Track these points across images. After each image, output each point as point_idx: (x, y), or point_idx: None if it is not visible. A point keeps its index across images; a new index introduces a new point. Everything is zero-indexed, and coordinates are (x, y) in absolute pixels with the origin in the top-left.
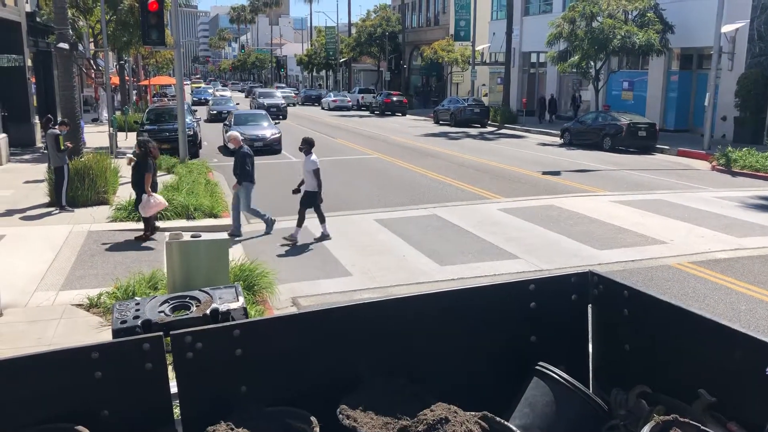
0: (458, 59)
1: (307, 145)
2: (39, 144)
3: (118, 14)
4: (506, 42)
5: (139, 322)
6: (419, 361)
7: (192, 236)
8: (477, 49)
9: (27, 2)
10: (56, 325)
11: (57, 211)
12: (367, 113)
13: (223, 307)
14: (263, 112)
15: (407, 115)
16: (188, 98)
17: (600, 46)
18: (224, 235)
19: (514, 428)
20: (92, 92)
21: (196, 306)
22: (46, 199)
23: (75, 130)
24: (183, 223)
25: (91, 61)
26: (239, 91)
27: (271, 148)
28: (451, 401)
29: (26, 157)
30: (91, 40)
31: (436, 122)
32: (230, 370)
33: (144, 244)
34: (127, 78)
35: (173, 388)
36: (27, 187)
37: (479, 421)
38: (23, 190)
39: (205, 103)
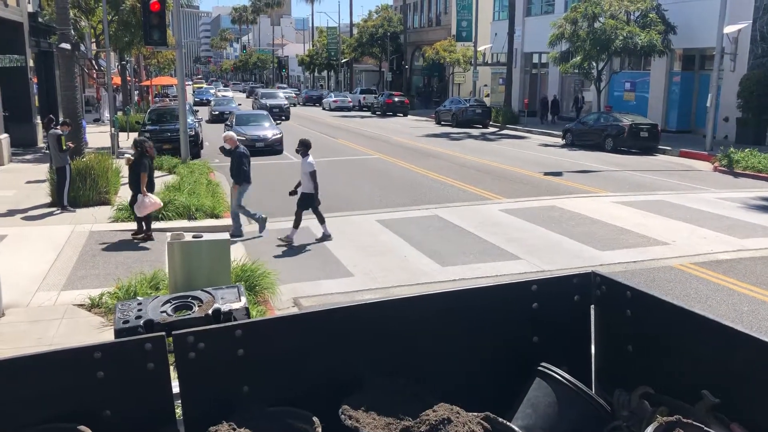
0: (460, 60)
1: (304, 147)
2: (41, 144)
3: (120, 14)
4: (508, 42)
5: (141, 322)
6: (421, 361)
7: (193, 236)
8: (479, 49)
9: (29, 2)
10: (58, 325)
11: (59, 212)
12: (368, 114)
13: (225, 308)
14: (265, 112)
15: (409, 116)
16: (190, 98)
17: (602, 46)
18: (226, 236)
19: (516, 429)
20: (94, 92)
21: (198, 306)
22: (48, 199)
23: (77, 130)
24: (184, 223)
25: (93, 62)
26: (240, 91)
27: (273, 148)
28: (453, 402)
29: (28, 157)
30: (93, 40)
31: (438, 123)
32: (232, 370)
33: (142, 245)
34: (128, 78)
35: (175, 388)
36: (29, 187)
37: (481, 421)
38: (25, 190)
39: (207, 103)
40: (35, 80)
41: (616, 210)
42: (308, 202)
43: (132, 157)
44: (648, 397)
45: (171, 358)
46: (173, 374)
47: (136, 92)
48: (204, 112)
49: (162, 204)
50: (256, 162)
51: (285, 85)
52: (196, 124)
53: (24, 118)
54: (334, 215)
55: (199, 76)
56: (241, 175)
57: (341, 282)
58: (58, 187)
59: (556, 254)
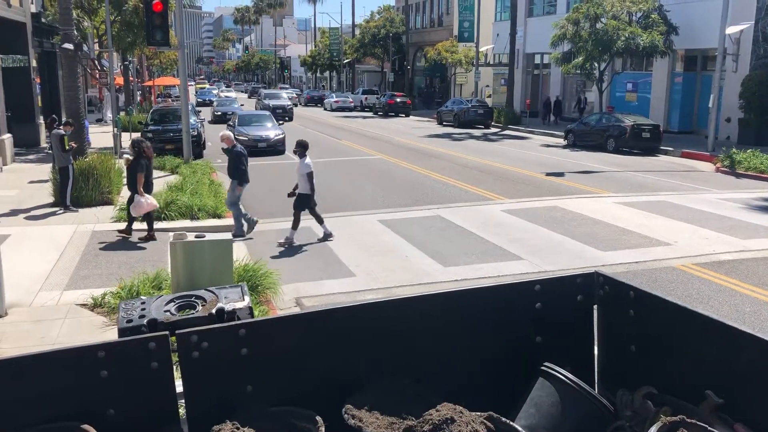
0: (462, 60)
1: (301, 148)
2: (43, 144)
3: (123, 15)
4: (510, 43)
5: (144, 321)
6: (424, 361)
7: (196, 236)
8: (481, 50)
9: (32, 3)
10: (60, 325)
11: (61, 211)
12: (370, 114)
13: (228, 307)
14: (267, 112)
15: (410, 116)
16: (192, 99)
17: (604, 47)
18: (228, 236)
19: (519, 428)
20: (96, 93)
21: (202, 305)
22: (51, 199)
23: (79, 130)
24: (187, 223)
25: (96, 62)
26: (242, 91)
27: (275, 148)
28: (456, 401)
29: (31, 157)
30: (96, 40)
31: (440, 123)
32: (236, 369)
33: (139, 245)
34: (131, 78)
35: (179, 387)
36: (31, 187)
37: (485, 421)
38: (28, 190)
39: (210, 104)
40: (38, 80)
41: (618, 210)
42: (305, 203)
43: (130, 158)
44: (651, 397)
45: (174, 357)
46: (177, 373)
47: (139, 92)
48: (207, 113)
49: (158, 205)
50: (258, 162)
51: (287, 86)
52: (199, 125)
53: (27, 119)
54: (337, 215)
55: (202, 77)
56: (238, 175)
57: (343, 282)
58: (61, 187)
59: (558, 255)
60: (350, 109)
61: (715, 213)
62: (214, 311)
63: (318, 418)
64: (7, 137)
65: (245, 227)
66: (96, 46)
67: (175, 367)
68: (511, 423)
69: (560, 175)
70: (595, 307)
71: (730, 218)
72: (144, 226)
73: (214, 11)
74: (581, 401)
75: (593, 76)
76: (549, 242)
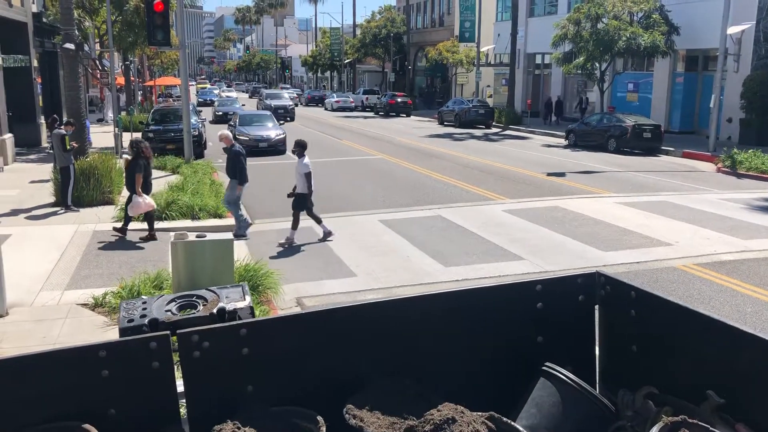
0: (463, 60)
1: (300, 148)
2: (45, 144)
3: (124, 15)
4: (511, 43)
5: (146, 320)
6: (425, 361)
7: (197, 236)
8: (482, 50)
9: (33, 3)
10: (61, 325)
11: (62, 211)
12: (371, 114)
13: (229, 306)
14: (268, 112)
15: (411, 116)
16: (193, 99)
17: (605, 47)
18: (229, 236)
19: (520, 428)
20: (98, 92)
21: (203, 305)
22: (52, 199)
23: (80, 130)
24: (188, 223)
25: (97, 62)
26: (243, 91)
27: (276, 148)
28: (457, 401)
29: (32, 156)
30: (97, 40)
31: (441, 123)
32: (237, 369)
33: (138, 244)
34: (132, 78)
35: (180, 387)
36: (32, 187)
37: (486, 421)
38: (29, 189)
39: (211, 104)
40: (39, 80)
41: (619, 211)
42: (302, 202)
43: (128, 158)
44: (652, 397)
45: (176, 357)
46: (178, 373)
47: (140, 92)
48: (208, 113)
49: (155, 206)
50: (259, 162)
51: (288, 86)
52: (200, 125)
53: (28, 118)
54: (338, 215)
55: (203, 77)
56: (237, 174)
57: (344, 282)
58: (62, 187)
59: (559, 255)
60: (351, 109)
61: (716, 213)
62: (215, 311)
63: (319, 418)
64: (9, 137)
65: (248, 224)
66: (97, 46)
67: (176, 366)
68: (513, 423)
69: (561, 175)
70: (597, 307)
71: (732, 218)
72: (145, 225)
73: (215, 11)
74: (582, 401)
75: (594, 77)
76: (550, 242)
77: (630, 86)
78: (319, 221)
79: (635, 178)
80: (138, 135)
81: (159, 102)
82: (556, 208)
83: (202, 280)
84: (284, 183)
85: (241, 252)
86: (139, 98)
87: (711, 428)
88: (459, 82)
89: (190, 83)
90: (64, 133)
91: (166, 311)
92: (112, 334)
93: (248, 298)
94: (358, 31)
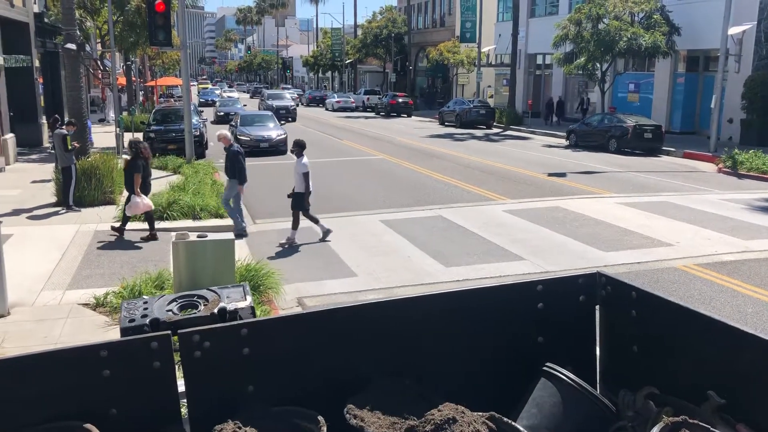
0: (464, 61)
1: (299, 148)
2: (46, 144)
3: (125, 15)
4: (512, 43)
5: (147, 320)
6: (425, 361)
7: (198, 236)
8: (483, 50)
9: (35, 3)
10: (63, 324)
11: (64, 211)
12: (372, 114)
13: (230, 306)
14: (269, 113)
15: (412, 117)
16: (195, 99)
17: (606, 47)
18: (230, 236)
19: (521, 429)
20: (99, 93)
21: (204, 305)
22: (53, 199)
23: (82, 130)
24: (189, 223)
25: (98, 62)
26: (244, 92)
27: (277, 148)
28: (458, 401)
29: (33, 156)
30: (99, 40)
31: (442, 123)
32: (237, 369)
33: (137, 243)
34: (133, 79)
35: (181, 386)
36: (34, 187)
37: (486, 421)
38: (30, 189)
39: (212, 104)
40: (41, 80)
41: (620, 211)
42: (300, 202)
43: (127, 158)
44: (653, 398)
45: (177, 357)
46: (179, 373)
47: (141, 92)
48: (209, 113)
49: (153, 206)
50: (260, 162)
51: (289, 86)
52: (201, 125)
53: (30, 118)
54: (338, 215)
55: (204, 77)
56: (236, 174)
57: (345, 282)
58: (64, 187)
59: (560, 255)
60: (352, 110)
61: (717, 214)
62: (216, 311)
63: (320, 417)
64: (10, 137)
65: (244, 225)
66: (98, 46)
67: (177, 366)
68: (513, 423)
69: (562, 175)
70: (597, 307)
71: (733, 219)
72: (145, 225)
73: (216, 11)
74: (583, 401)
75: (595, 77)
76: (551, 243)
77: (631, 87)
78: (315, 221)
79: (636, 178)
80: (139, 135)
81: (160, 102)
82: (557, 209)
83: (203, 280)
84: (285, 183)
85: (242, 252)
86: (141, 98)
87: (712, 429)
88: (460, 83)
89: (191, 83)
90: (66, 133)
91: (168, 311)
92: (114, 334)
93: (249, 298)
94: (359, 32)
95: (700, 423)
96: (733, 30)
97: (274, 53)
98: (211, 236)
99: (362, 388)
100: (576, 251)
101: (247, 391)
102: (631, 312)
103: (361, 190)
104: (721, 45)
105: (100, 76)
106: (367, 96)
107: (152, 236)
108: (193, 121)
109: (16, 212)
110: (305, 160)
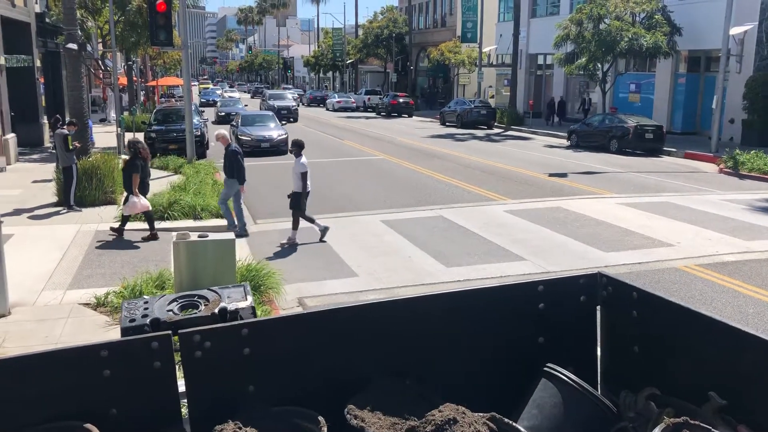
0: (465, 61)
1: (297, 148)
2: (47, 144)
3: (127, 15)
4: (513, 44)
5: (147, 320)
6: (426, 361)
7: (199, 236)
8: (484, 50)
9: (36, 3)
10: (64, 324)
11: (65, 211)
12: (373, 114)
13: (231, 306)
14: (270, 113)
15: (413, 117)
16: (196, 99)
17: (607, 48)
18: (231, 236)
19: (522, 429)
20: (100, 92)
21: (205, 305)
22: (54, 199)
23: (83, 130)
24: (190, 223)
25: (100, 62)
26: (245, 92)
27: (278, 148)
28: (458, 402)
29: (35, 156)
30: (100, 40)
31: (443, 124)
32: (238, 369)
33: (135, 243)
34: (135, 78)
35: (181, 386)
36: (35, 187)
37: (487, 422)
38: (31, 189)
39: (213, 104)
40: (42, 80)
41: (621, 211)
42: (297, 201)
43: (126, 158)
44: (654, 399)
45: (177, 357)
46: (179, 373)
47: (142, 92)
48: (210, 113)
49: (150, 207)
50: (260, 162)
51: (290, 86)
52: (202, 125)
53: (31, 118)
54: (339, 215)
55: (205, 77)
56: (235, 173)
57: (345, 282)
58: (65, 187)
59: (560, 255)
60: (353, 110)
61: (718, 214)
62: (216, 311)
63: (320, 418)
64: (11, 137)
65: (237, 226)
66: (100, 46)
67: (177, 366)
68: (514, 424)
69: (563, 175)
70: (598, 307)
71: (734, 219)
72: (146, 225)
73: (217, 11)
74: (584, 402)
75: (596, 77)
76: (552, 243)
77: (632, 87)
78: (312, 221)
79: (637, 178)
80: (140, 135)
81: (161, 102)
82: (557, 209)
83: (203, 280)
84: (286, 183)
85: (242, 252)
86: (142, 98)
87: (713, 430)
88: (461, 83)
89: (192, 83)
90: (67, 133)
91: (168, 311)
92: (114, 334)
93: (250, 298)
94: (360, 32)
95: (702, 424)
96: (735, 30)
97: (275, 53)
98: (212, 236)
99: (363, 389)
100: (577, 251)
101: (247, 391)
102: (632, 312)
103: (362, 191)
104: (722, 45)
105: (101, 76)
106: (368, 96)
107: (153, 236)
108: (194, 121)
109: (17, 212)
110: (304, 159)
